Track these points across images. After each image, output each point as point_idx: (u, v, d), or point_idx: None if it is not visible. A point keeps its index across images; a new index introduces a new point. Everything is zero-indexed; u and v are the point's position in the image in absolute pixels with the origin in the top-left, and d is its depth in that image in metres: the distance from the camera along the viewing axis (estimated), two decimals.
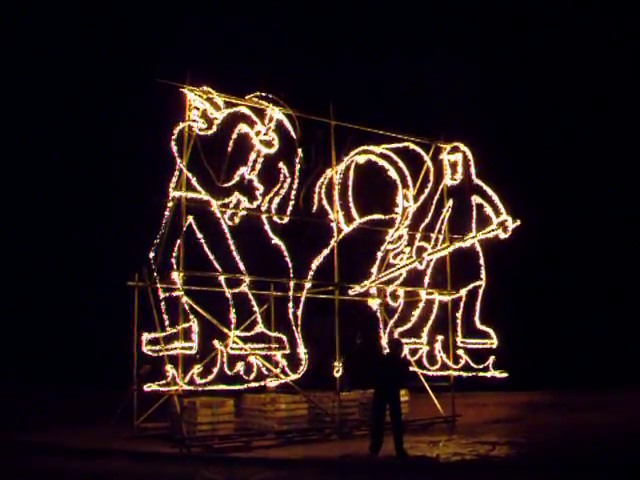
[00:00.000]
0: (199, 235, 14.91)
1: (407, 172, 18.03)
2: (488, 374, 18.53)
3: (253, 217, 15.66)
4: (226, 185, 15.22)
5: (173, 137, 14.98)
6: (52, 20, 33.01)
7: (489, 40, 31.67)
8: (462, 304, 18.70)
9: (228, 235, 15.11)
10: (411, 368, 17.23)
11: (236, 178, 15.34)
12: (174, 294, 14.94)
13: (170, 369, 14.60)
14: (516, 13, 32.38)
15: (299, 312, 16.02)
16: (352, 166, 17.74)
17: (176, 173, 15.10)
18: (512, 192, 19.43)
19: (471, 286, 18.75)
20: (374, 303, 17.39)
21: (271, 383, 15.66)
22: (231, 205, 15.32)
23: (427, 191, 18.48)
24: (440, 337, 18.33)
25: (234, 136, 15.44)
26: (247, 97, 16.04)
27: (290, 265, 15.89)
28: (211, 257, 14.94)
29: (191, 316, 14.70)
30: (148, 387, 15.00)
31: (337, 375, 15.99)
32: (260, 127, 15.78)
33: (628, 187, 29.70)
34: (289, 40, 31.78)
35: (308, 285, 16.37)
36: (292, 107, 16.23)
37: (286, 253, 15.85)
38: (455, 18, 33.06)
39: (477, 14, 32.67)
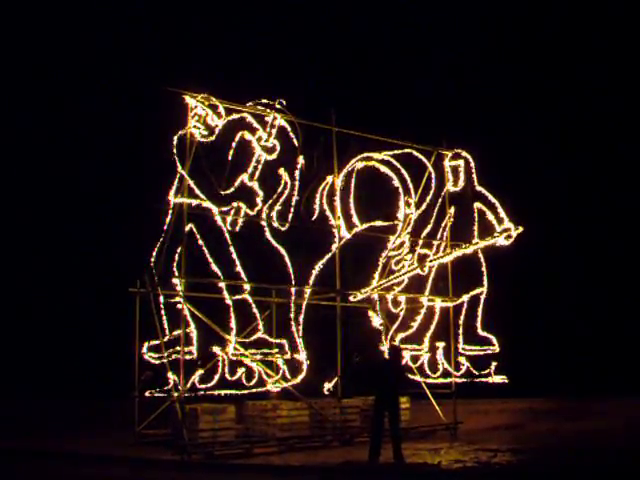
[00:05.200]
0: (200, 242, 14.92)
1: (409, 179, 18.03)
2: (490, 380, 18.51)
3: (254, 223, 15.67)
4: (227, 192, 15.23)
5: (174, 144, 15.02)
6: (52, 23, 33.10)
7: (491, 43, 31.71)
8: (464, 311, 18.67)
9: (229, 241, 15.13)
10: (410, 375, 17.17)
11: (237, 185, 15.35)
12: (175, 300, 14.96)
13: (171, 375, 14.61)
14: (517, 15, 32.44)
15: (300, 318, 16.08)
16: (354, 173, 17.74)
17: (177, 179, 15.13)
18: (514, 199, 19.42)
19: (473, 293, 18.73)
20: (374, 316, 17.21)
21: (273, 388, 15.64)
22: (232, 212, 15.33)
23: (429, 198, 18.48)
24: (441, 344, 18.31)
25: (235, 143, 15.46)
26: (249, 104, 16.06)
27: (291, 271, 15.91)
28: (212, 264, 14.95)
29: (191, 322, 14.71)
30: (149, 394, 15.01)
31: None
32: (261, 134, 15.80)
33: (630, 193, 29.70)
34: (290, 45, 31.84)
35: (309, 291, 16.40)
36: (293, 114, 16.25)
37: (287, 259, 15.86)
38: (456, 21, 33.12)
39: (479, 16, 32.75)
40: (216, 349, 14.65)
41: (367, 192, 17.61)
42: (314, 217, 17.02)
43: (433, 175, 18.49)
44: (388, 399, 13.13)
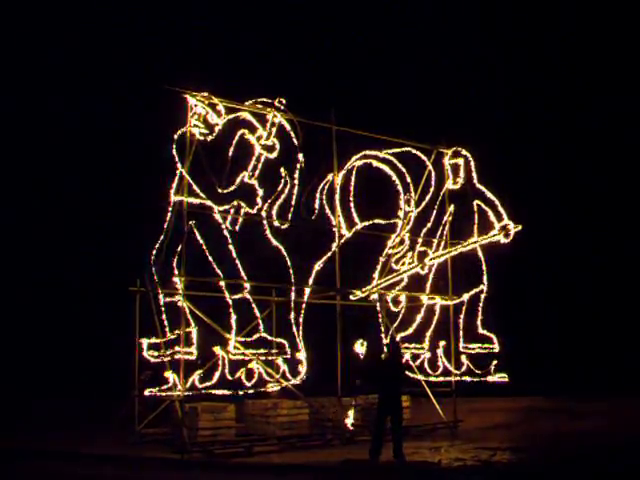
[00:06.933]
0: (200, 240, 14.91)
1: (409, 177, 18.02)
2: (490, 379, 18.50)
3: (254, 222, 15.66)
4: (227, 190, 15.21)
5: (174, 142, 15.01)
6: (52, 23, 33.08)
7: (491, 43, 31.71)
8: (464, 309, 18.66)
9: (229, 240, 15.12)
10: (410, 374, 17.16)
11: (237, 183, 15.34)
12: (175, 299, 14.94)
13: (171, 374, 14.58)
14: (518, 15, 32.43)
15: (300, 317, 16.09)
16: (353, 171, 17.74)
17: (177, 178, 15.12)
18: (513, 197, 19.42)
19: (473, 291, 18.72)
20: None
21: (273, 388, 15.63)
22: (232, 210, 15.31)
23: (429, 196, 18.48)
24: (442, 342, 18.30)
25: (235, 141, 15.45)
26: (248, 103, 16.05)
27: (291, 270, 15.89)
28: (212, 262, 14.93)
29: (192, 321, 14.69)
30: (149, 392, 14.98)
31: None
32: (261, 132, 15.79)
33: (630, 191, 29.69)
34: (290, 45, 31.82)
35: (309, 290, 16.41)
36: (293, 112, 16.23)
37: (287, 258, 15.85)
38: (456, 20, 33.10)
39: (478, 16, 32.75)
40: (217, 349, 14.64)
41: (367, 190, 17.63)
42: (314, 215, 17.03)
43: (433, 173, 18.49)
44: (392, 397, 13.10)
